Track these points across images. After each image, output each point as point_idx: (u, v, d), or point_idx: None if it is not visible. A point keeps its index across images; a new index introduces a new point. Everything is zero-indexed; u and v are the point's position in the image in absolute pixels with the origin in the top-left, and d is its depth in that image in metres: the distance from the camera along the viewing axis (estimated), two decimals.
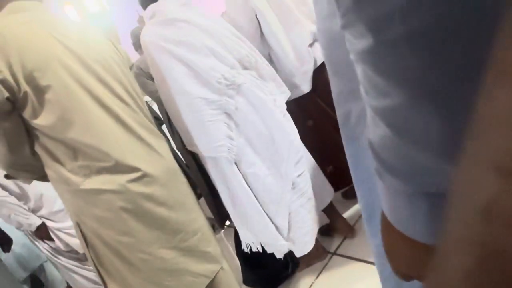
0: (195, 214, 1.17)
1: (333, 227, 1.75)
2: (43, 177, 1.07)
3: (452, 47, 0.21)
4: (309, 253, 1.55)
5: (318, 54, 1.66)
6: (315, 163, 1.61)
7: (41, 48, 0.92)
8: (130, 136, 1.04)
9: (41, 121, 0.93)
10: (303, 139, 1.55)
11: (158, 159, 1.09)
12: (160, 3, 1.37)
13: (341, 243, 1.72)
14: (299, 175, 1.47)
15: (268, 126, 1.38)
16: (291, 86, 1.64)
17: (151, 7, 1.37)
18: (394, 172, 0.28)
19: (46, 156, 0.99)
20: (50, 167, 1.00)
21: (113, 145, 0.99)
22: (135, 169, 1.02)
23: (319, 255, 1.66)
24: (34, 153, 1.01)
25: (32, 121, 0.93)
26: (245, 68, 1.34)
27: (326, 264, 1.65)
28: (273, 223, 1.46)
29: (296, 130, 1.48)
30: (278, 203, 1.43)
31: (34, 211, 1.97)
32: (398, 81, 0.24)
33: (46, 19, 0.99)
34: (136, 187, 1.02)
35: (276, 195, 1.42)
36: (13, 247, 2.09)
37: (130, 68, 1.19)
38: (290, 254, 1.57)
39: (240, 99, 1.33)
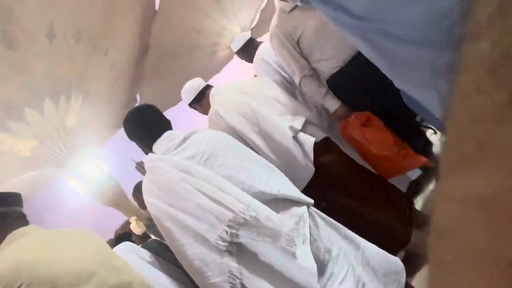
0: None
1: None
2: None
3: None
4: None
5: (306, 138, 1.72)
6: (376, 251, 1.40)
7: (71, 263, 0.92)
8: None
9: None
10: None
11: None
12: (154, 156, 1.38)
13: None
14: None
15: (282, 276, 1.21)
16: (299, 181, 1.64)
17: (148, 159, 1.40)
18: None
19: None
20: None
21: None
22: None
23: None
24: None
25: None
26: (243, 224, 1.18)
27: None
28: None
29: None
30: None
31: None
32: None
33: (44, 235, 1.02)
34: None
35: None
36: None
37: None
38: None
39: (243, 258, 1.21)
